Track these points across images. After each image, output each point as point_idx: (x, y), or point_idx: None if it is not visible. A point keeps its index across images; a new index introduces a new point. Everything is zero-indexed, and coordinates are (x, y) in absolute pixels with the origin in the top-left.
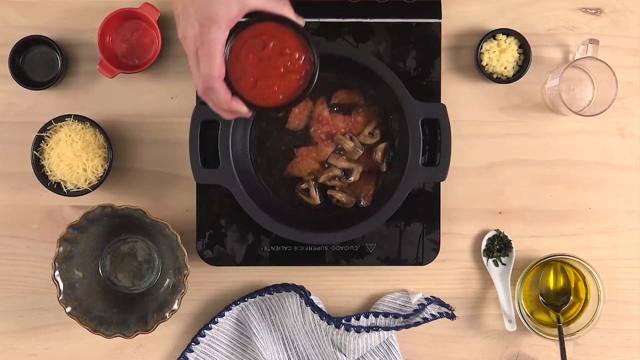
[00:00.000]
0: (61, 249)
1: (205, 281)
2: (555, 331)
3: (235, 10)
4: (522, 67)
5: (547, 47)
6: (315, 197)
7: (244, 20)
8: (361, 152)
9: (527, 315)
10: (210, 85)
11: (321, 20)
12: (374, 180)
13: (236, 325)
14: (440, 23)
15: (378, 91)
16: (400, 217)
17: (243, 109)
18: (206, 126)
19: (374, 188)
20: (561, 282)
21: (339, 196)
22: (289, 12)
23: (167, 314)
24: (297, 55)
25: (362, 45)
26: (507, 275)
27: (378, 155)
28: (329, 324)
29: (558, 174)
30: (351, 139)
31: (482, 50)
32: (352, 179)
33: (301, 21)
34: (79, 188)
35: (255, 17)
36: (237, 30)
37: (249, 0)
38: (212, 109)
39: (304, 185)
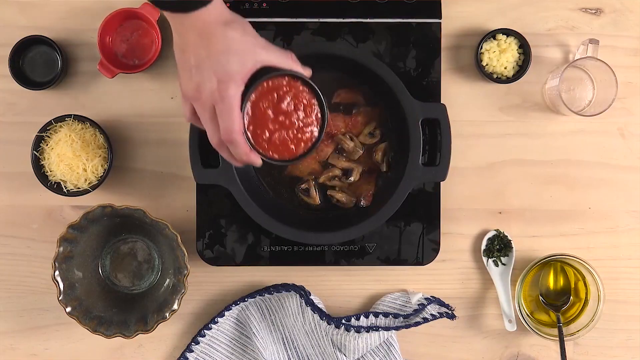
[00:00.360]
0: (61, 249)
1: (205, 281)
2: (555, 331)
3: (249, 65)
4: (522, 67)
5: (547, 47)
6: (315, 197)
7: (260, 75)
8: (361, 152)
9: (527, 315)
10: (231, 139)
11: (321, 20)
12: (374, 180)
13: (236, 325)
14: (440, 23)
15: (378, 91)
16: (400, 217)
17: (259, 161)
18: None
19: (374, 188)
20: (561, 282)
21: (339, 196)
22: (296, 66)
23: (167, 314)
24: (310, 110)
25: (362, 45)
26: (507, 275)
27: (378, 155)
28: (329, 324)
29: (558, 174)
30: (351, 139)
31: (482, 50)
32: (352, 179)
33: (308, 72)
34: (79, 188)
35: (269, 72)
36: (253, 85)
37: (260, 56)
38: (225, 158)
39: (304, 185)
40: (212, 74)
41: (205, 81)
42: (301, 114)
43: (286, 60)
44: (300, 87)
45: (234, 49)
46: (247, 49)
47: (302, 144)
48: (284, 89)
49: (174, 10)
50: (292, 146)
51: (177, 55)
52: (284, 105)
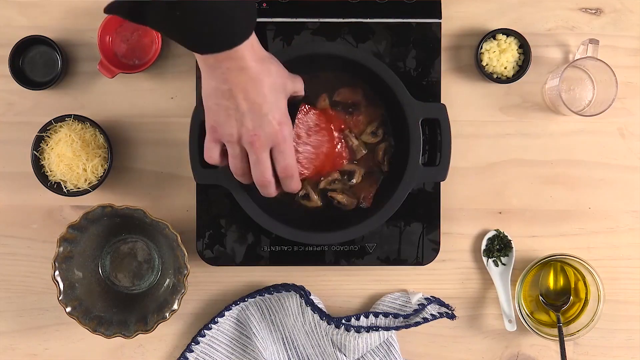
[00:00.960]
0: (61, 249)
1: (205, 281)
2: (555, 331)
3: (287, 99)
4: (522, 67)
5: (547, 47)
6: (316, 200)
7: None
8: (364, 151)
9: (527, 315)
10: (291, 174)
11: (321, 20)
12: (375, 181)
13: (236, 325)
14: (440, 23)
15: (378, 91)
16: (400, 217)
17: (300, 187)
18: None
19: (375, 189)
20: (561, 282)
21: (340, 197)
22: (302, 89)
23: (167, 314)
24: (334, 131)
25: (362, 45)
26: (507, 275)
27: (380, 154)
28: (329, 324)
29: (558, 174)
30: (355, 138)
31: (482, 50)
32: (354, 181)
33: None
34: (79, 188)
35: (297, 102)
36: (295, 118)
37: (290, 86)
38: (265, 193)
39: (302, 192)
40: (272, 118)
41: (264, 125)
42: (330, 138)
43: (301, 86)
44: (318, 111)
45: (280, 87)
46: (284, 83)
47: (331, 161)
48: (308, 116)
49: (217, 50)
50: (326, 165)
51: (216, 102)
52: (313, 132)
